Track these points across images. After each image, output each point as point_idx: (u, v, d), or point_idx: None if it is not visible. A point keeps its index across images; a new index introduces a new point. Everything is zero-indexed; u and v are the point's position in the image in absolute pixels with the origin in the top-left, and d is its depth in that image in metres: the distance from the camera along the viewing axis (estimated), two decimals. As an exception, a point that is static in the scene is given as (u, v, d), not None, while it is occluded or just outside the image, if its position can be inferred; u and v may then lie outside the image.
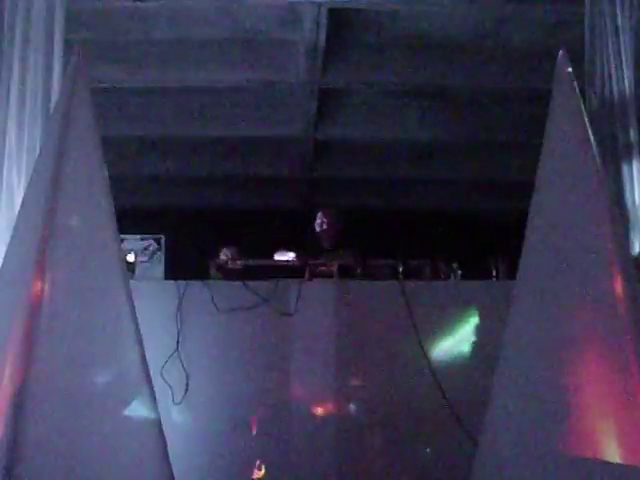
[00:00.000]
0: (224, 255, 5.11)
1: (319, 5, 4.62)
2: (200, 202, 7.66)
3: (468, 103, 6.16)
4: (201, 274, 4.55)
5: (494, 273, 4.59)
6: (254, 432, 4.27)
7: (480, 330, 4.30)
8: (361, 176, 7.34)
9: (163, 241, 4.60)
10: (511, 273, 3.91)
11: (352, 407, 4.33)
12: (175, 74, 5.51)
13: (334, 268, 4.49)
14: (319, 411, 4.25)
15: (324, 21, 4.83)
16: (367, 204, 7.72)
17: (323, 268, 4.55)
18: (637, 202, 3.96)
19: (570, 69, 3.31)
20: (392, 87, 5.87)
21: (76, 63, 3.28)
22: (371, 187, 7.62)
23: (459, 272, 4.64)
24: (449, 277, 4.62)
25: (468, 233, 7.33)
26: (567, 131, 3.29)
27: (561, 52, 3.36)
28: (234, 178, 7.36)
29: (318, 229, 5.56)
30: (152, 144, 6.72)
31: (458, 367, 4.27)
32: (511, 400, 3.16)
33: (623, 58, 3.97)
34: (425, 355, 4.23)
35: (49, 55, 3.78)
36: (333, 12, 4.80)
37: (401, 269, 4.47)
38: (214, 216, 5.77)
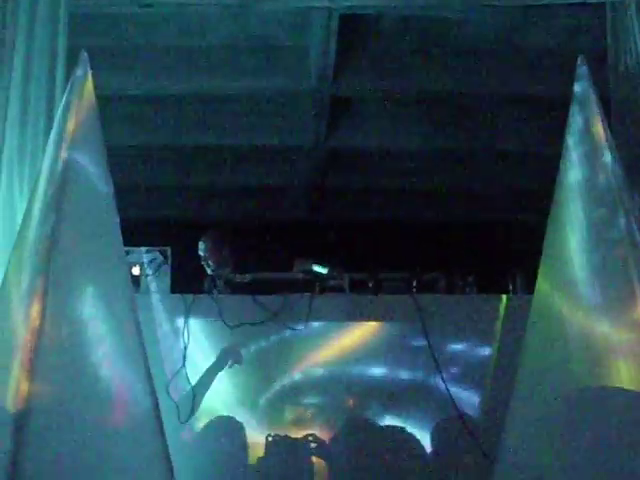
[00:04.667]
0: (201, 251, 5.18)
1: (330, 11, 4.61)
2: (207, 213, 7.66)
3: (484, 111, 6.14)
4: (210, 287, 4.58)
5: (511, 287, 4.60)
6: (263, 451, 4.26)
7: (497, 346, 4.28)
8: (373, 186, 7.33)
9: (169, 253, 4.60)
10: (529, 287, 3.89)
11: (365, 424, 4.33)
12: (183, 82, 5.53)
13: (345, 282, 4.50)
14: (331, 430, 4.27)
15: (335, 27, 4.81)
16: (379, 215, 7.70)
17: (334, 282, 4.56)
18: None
19: (589, 74, 3.29)
20: (406, 95, 5.87)
21: (81, 70, 3.28)
22: (382, 198, 7.61)
23: (475, 286, 4.60)
24: (465, 291, 4.59)
25: (484, 245, 7.31)
26: (587, 138, 3.24)
27: (580, 57, 3.34)
28: (242, 188, 7.36)
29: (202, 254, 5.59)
30: (158, 153, 6.73)
31: (474, 383, 4.26)
32: (528, 419, 3.10)
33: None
34: (439, 371, 4.22)
35: (52, 62, 3.78)
36: (344, 18, 4.78)
37: (415, 283, 4.47)
38: (222, 228, 5.78)
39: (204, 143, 6.44)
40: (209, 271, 5.31)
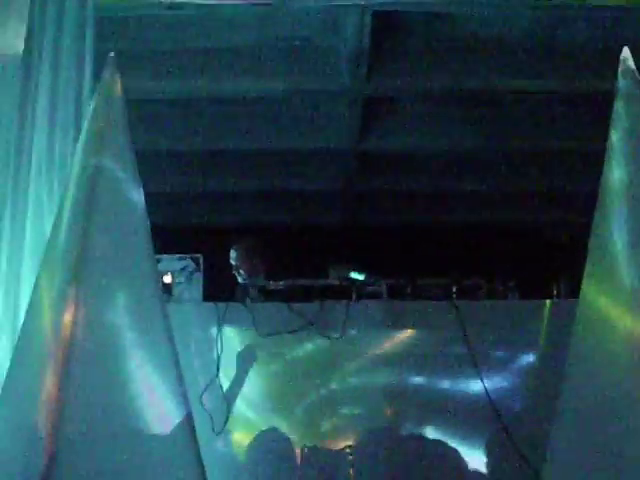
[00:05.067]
0: (232, 259, 5.18)
1: (362, 8, 4.60)
2: (239, 219, 7.67)
3: (525, 109, 6.08)
4: (241, 295, 4.60)
5: (555, 292, 4.57)
6: (299, 463, 4.30)
7: (541, 353, 4.29)
8: (409, 189, 7.29)
9: (201, 261, 4.65)
10: (573, 291, 3.86)
11: (404, 435, 4.34)
12: (212, 84, 5.53)
13: (382, 288, 4.54)
14: (368, 441, 4.25)
15: (368, 25, 4.80)
16: (416, 219, 7.66)
17: (371, 288, 4.58)
18: None
19: (634, 67, 3.21)
20: (442, 94, 5.82)
21: (109, 74, 3.30)
22: (420, 201, 7.56)
23: (517, 291, 4.62)
24: (506, 297, 4.60)
25: (526, 249, 7.25)
26: (633, 134, 3.18)
27: (625, 49, 3.28)
28: (274, 193, 7.35)
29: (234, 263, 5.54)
30: (188, 158, 6.74)
31: (517, 393, 4.27)
32: (575, 430, 3.05)
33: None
34: (481, 380, 4.24)
35: (80, 66, 3.80)
36: (377, 15, 4.75)
37: (455, 288, 4.49)
38: (254, 234, 5.79)
39: (235, 147, 6.44)
40: (240, 280, 5.33)
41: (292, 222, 7.79)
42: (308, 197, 7.46)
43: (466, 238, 7.37)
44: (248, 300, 4.64)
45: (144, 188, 3.23)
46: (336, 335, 4.34)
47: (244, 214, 7.69)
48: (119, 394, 2.91)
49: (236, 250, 5.47)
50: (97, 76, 3.48)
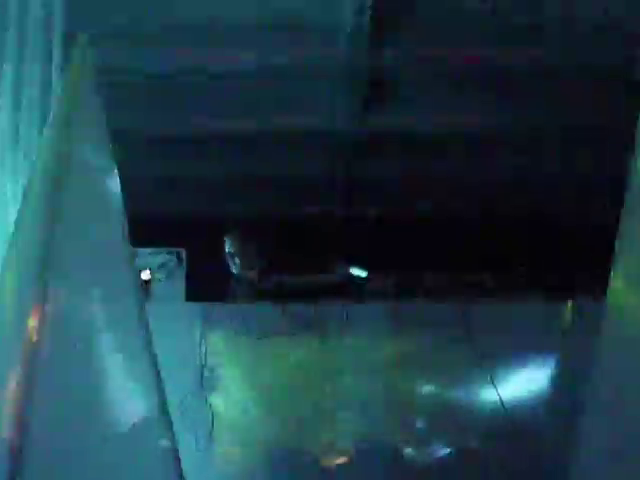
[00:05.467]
0: (227, 247, 5.21)
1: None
2: (228, 209, 7.61)
3: (553, 82, 6.03)
4: (229, 294, 4.59)
5: (576, 290, 4.63)
6: (292, 476, 4.42)
7: (561, 361, 4.44)
8: (417, 175, 7.26)
9: (184, 255, 4.66)
10: (598, 289, 3.86)
11: (408, 450, 4.45)
12: (199, 61, 5.52)
13: (389, 286, 4.65)
14: (368, 457, 4.26)
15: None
16: (424, 209, 7.63)
17: (374, 287, 4.64)
18: None
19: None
20: (453, 67, 5.81)
21: (80, 55, 3.30)
22: (430, 188, 7.53)
23: (535, 290, 4.74)
24: (523, 295, 4.70)
25: (545, 242, 7.20)
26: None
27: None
28: (266, 180, 7.32)
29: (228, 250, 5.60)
30: (170, 141, 6.70)
31: (536, 405, 4.42)
32: (605, 436, 3.10)
33: None
34: (497, 391, 4.38)
35: (47, 45, 3.80)
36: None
37: (466, 286, 4.67)
38: (243, 225, 5.76)
39: (222, 127, 6.40)
40: (235, 270, 5.29)
41: (285, 212, 7.74)
42: (303, 184, 7.42)
43: (479, 230, 7.33)
44: (237, 300, 4.62)
45: (119, 174, 3.23)
46: (334, 339, 4.43)
47: (232, 203, 7.63)
48: (91, 407, 2.91)
49: (231, 237, 5.54)
50: (67, 56, 3.46)
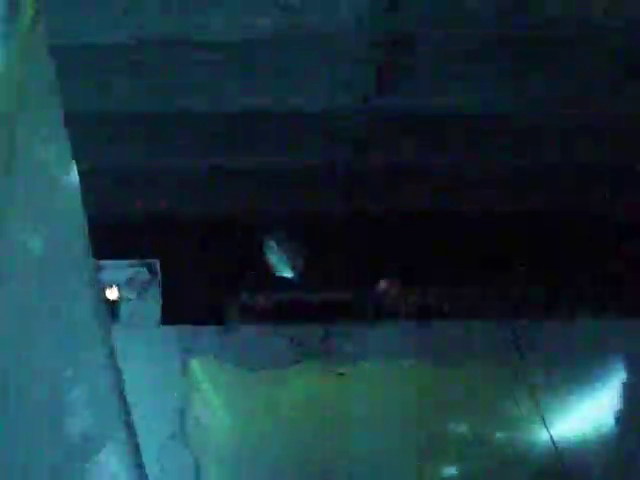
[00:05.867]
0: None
1: None
2: (211, 208, 7.62)
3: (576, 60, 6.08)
4: (216, 316, 4.68)
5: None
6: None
7: (622, 386, 4.44)
8: (442, 164, 7.29)
9: (159, 267, 4.71)
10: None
11: None
12: (175, 24, 5.53)
13: (410, 304, 4.62)
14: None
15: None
16: (456, 206, 7.65)
17: (394, 304, 4.67)
18: None
19: None
20: (483, 35, 5.84)
21: (28, 17, 3.29)
22: (461, 181, 7.56)
23: (596, 307, 4.74)
24: (580, 315, 4.73)
25: (599, 246, 7.20)
26: None
27: None
28: (260, 171, 7.30)
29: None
30: (139, 123, 6.69)
31: (592, 440, 4.42)
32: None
33: None
34: (546, 427, 4.37)
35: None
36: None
37: (511, 303, 4.62)
38: (231, 228, 5.75)
39: (202, 106, 6.41)
40: (280, 263, 5.26)
41: (283, 209, 7.74)
42: (303, 175, 7.42)
43: (526, 231, 7.30)
44: (226, 322, 4.67)
45: (79, 166, 3.22)
46: (346, 369, 4.46)
47: (218, 200, 7.61)
48: (42, 448, 2.92)
49: (276, 238, 5.62)
50: (11, 18, 3.48)
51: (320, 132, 6.91)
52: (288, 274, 5.32)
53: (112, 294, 4.51)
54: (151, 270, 4.66)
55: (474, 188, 7.48)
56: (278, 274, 5.34)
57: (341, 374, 4.45)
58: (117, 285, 4.54)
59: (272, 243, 5.58)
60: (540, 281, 4.82)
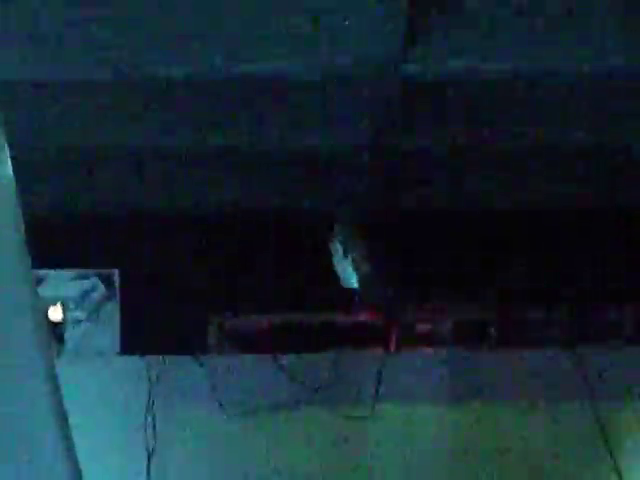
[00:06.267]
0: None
1: None
2: (182, 204, 7.64)
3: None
4: (192, 342, 4.67)
5: None
6: None
7: None
8: (483, 144, 7.31)
9: (117, 280, 4.69)
10: None
11: None
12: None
13: (446, 328, 4.64)
14: None
15: None
16: (498, 201, 7.67)
17: (423, 328, 4.70)
18: None
19: None
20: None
21: None
22: (502, 168, 7.57)
23: None
24: None
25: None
26: None
27: None
28: (238, 152, 7.33)
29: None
30: (86, 93, 6.71)
31: None
32: None
33: None
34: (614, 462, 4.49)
35: None
36: None
37: (575, 327, 4.66)
38: (208, 228, 5.78)
39: (182, 72, 6.41)
40: (347, 272, 5.36)
41: (282, 206, 7.77)
42: (317, 161, 7.44)
43: (593, 232, 7.35)
44: (204, 350, 4.68)
45: (12, 153, 3.23)
46: (362, 412, 4.41)
47: (191, 195, 7.63)
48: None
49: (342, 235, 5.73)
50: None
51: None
52: (354, 283, 5.46)
53: (56, 314, 4.45)
54: (108, 283, 4.56)
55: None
56: (346, 285, 5.44)
57: (355, 418, 4.39)
58: (63, 302, 4.44)
59: (336, 245, 5.71)
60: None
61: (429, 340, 4.69)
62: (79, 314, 4.58)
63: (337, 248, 5.59)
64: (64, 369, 3.12)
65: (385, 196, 7.71)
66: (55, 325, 4.47)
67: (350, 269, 5.54)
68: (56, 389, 3.07)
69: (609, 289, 4.94)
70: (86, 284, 4.64)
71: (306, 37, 6.32)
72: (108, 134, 7.07)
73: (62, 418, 3.06)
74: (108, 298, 4.66)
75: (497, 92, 6.86)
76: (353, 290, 5.08)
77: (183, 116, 6.41)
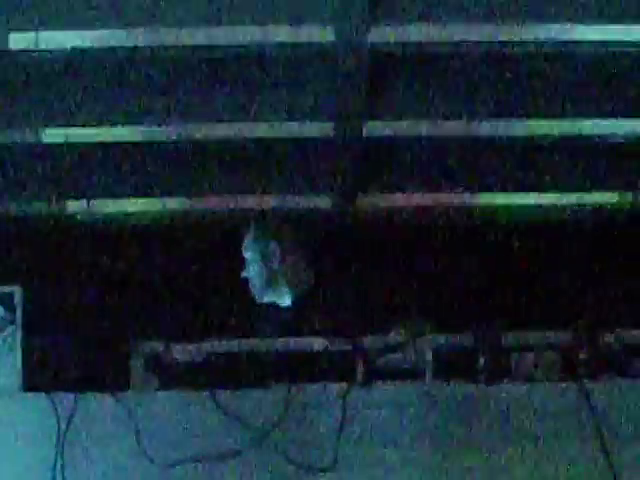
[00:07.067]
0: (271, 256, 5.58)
1: None
2: (115, 207, 7.53)
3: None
4: (110, 376, 4.50)
5: None
6: None
7: None
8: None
9: (19, 299, 4.56)
10: None
11: None
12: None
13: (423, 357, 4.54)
14: None
15: None
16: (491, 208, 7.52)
17: (395, 358, 4.62)
18: None
19: None
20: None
21: None
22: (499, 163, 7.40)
23: None
24: None
25: None
26: None
27: None
28: (186, 144, 7.18)
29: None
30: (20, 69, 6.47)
31: None
32: None
33: None
34: None
35: None
36: None
37: (582, 355, 4.61)
38: (137, 238, 5.60)
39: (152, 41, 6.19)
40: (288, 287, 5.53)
41: (212, 211, 7.67)
42: (281, 154, 7.30)
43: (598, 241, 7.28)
44: (127, 385, 4.59)
45: None
46: (322, 465, 4.30)
47: (115, 194, 7.54)
48: None
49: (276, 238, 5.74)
50: None
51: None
52: (285, 300, 5.64)
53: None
54: (8, 304, 4.42)
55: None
56: (264, 300, 5.65)
57: (317, 470, 4.28)
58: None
59: (251, 243, 5.78)
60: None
61: (403, 374, 4.66)
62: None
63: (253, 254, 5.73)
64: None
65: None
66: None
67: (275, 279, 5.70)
68: None
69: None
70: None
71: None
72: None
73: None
74: (8, 322, 4.55)
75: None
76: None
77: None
